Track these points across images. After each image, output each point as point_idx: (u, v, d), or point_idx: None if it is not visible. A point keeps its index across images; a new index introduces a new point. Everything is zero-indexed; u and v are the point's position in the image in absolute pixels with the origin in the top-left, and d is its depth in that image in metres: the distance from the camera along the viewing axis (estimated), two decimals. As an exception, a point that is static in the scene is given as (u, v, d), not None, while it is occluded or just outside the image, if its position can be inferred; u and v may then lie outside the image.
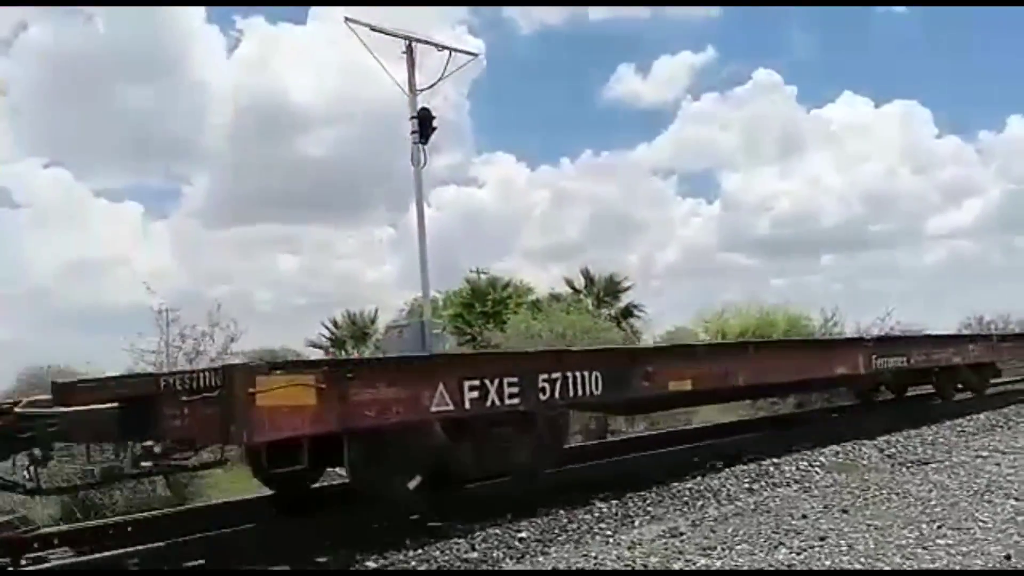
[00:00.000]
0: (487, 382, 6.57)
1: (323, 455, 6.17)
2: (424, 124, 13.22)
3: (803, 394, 16.04)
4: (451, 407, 6.30)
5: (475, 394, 6.49)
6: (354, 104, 43.27)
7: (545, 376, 7.09)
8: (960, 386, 14.67)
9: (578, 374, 7.35)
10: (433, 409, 6.17)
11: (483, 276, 28.65)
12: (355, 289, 43.78)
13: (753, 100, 52.23)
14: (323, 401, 5.45)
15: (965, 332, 20.79)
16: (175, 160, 44.60)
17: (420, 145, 13.39)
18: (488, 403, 6.56)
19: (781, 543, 5.69)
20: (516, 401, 6.83)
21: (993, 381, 16.25)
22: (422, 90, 13.47)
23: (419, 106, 13.35)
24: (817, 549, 5.49)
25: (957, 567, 4.99)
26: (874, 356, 11.88)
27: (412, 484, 6.90)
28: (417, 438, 6.52)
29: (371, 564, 5.65)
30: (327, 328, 29.23)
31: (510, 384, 6.76)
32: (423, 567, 5.60)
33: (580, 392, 7.37)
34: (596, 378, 7.52)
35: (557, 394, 7.17)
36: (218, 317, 13.43)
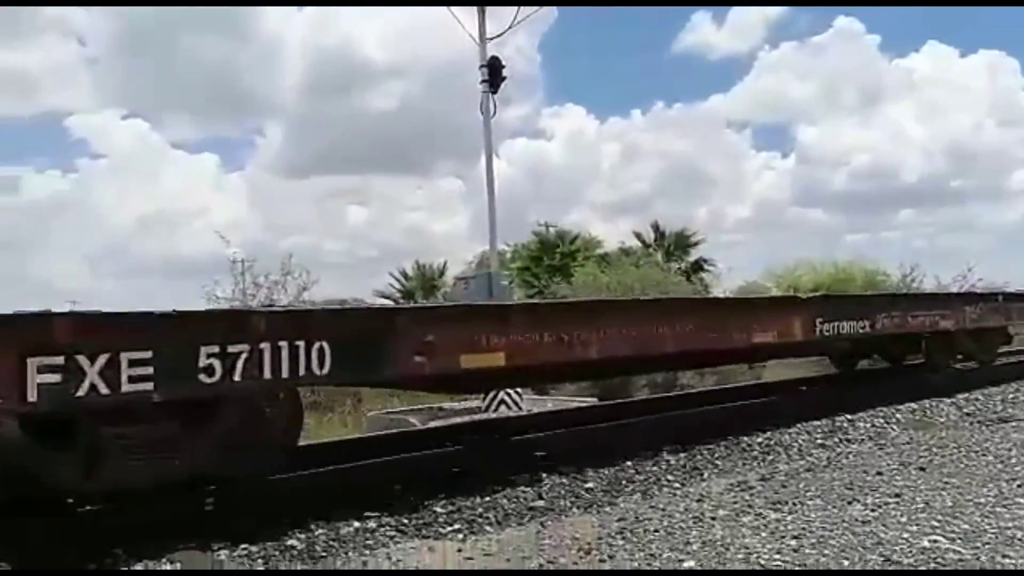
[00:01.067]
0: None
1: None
2: (494, 73, 13.06)
3: (700, 370, 14.34)
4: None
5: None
6: (423, 57, 43.29)
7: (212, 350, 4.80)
8: (961, 356, 12.35)
9: (270, 346, 5.03)
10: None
11: (551, 229, 28.55)
12: (423, 241, 44.21)
13: (833, 49, 50.52)
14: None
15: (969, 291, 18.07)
16: (249, 113, 45.40)
17: (490, 94, 13.27)
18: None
19: (855, 499, 5.56)
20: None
21: (1008, 350, 14.08)
22: (492, 38, 13.32)
23: (489, 55, 13.21)
24: (892, 506, 5.35)
25: (1041, 527, 4.81)
26: (819, 320, 9.21)
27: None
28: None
29: (438, 508, 5.71)
30: (396, 279, 29.58)
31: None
32: (490, 514, 5.64)
33: (280, 371, 5.09)
34: (321, 351, 5.28)
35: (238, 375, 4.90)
36: (291, 266, 13.72)
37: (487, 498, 6.02)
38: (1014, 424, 8.32)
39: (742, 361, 12.93)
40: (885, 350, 12.44)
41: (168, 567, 4.44)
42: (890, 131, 51.71)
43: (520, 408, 12.29)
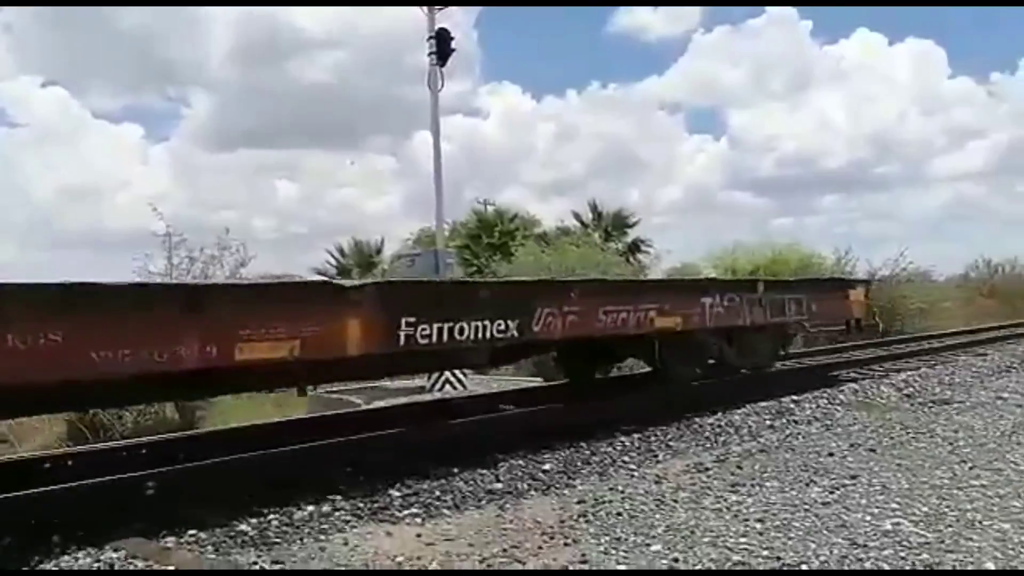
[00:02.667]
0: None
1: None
2: (442, 44, 12.76)
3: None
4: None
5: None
6: (358, 29, 42.34)
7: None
8: (713, 362, 9.38)
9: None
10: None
11: (490, 208, 28.37)
12: (355, 218, 43.42)
13: (766, 34, 51.21)
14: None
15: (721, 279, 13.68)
16: (174, 82, 43.87)
17: (437, 67, 12.96)
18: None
19: (812, 481, 5.59)
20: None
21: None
22: (439, 6, 12.92)
23: (436, 27, 12.90)
24: (851, 488, 5.38)
25: (995, 509, 4.88)
26: (405, 321, 5.91)
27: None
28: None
29: (395, 493, 5.54)
30: (332, 256, 29.06)
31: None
32: (447, 497, 5.49)
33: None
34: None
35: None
36: (227, 241, 13.28)
37: (443, 480, 5.86)
38: (955, 406, 8.51)
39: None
40: (600, 355, 9.37)
41: (113, 555, 4.17)
42: (817, 116, 52.78)
43: (465, 387, 12.14)
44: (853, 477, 5.65)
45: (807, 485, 5.50)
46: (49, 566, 4.14)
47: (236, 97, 43.01)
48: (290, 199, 44.19)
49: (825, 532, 4.51)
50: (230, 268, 13.22)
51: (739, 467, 6.07)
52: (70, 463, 6.10)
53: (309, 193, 44.40)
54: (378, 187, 48.66)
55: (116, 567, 4.10)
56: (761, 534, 4.50)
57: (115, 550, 4.26)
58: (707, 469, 6.06)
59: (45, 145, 37.81)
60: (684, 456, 6.66)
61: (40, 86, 42.21)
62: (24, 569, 4.13)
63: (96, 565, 4.12)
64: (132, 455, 6.45)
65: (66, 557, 4.22)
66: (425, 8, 12.98)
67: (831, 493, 5.30)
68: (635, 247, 28.78)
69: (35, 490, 4.93)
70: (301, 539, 4.64)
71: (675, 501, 5.23)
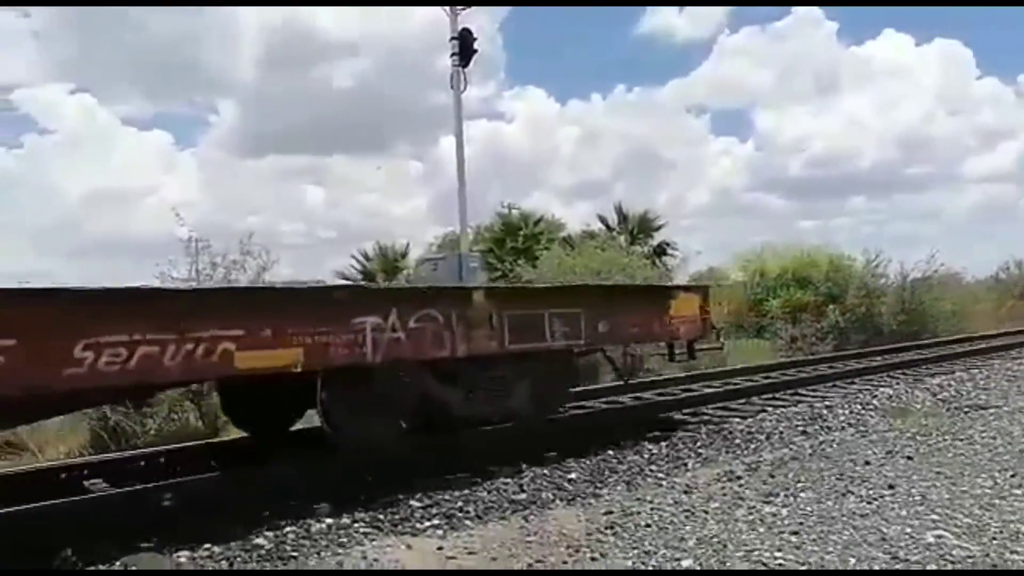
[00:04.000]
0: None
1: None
2: (465, 46, 12.63)
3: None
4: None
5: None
6: (382, 34, 42.40)
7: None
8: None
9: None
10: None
11: (515, 211, 28.18)
12: (381, 222, 43.42)
13: (792, 35, 50.66)
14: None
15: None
16: (202, 88, 44.15)
17: (460, 68, 12.84)
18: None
19: (848, 491, 5.37)
20: None
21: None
22: (462, 6, 12.76)
23: (460, 27, 12.79)
24: (888, 498, 5.16)
25: (1043, 520, 4.64)
26: None
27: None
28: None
29: (415, 503, 5.39)
30: (357, 260, 29.01)
31: None
32: (470, 508, 5.35)
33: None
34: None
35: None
36: (249, 246, 13.21)
37: (465, 490, 5.72)
38: (992, 411, 8.23)
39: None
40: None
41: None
42: (845, 117, 52.14)
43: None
44: (891, 487, 5.42)
45: (843, 495, 5.28)
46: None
47: (263, 103, 43.25)
48: (317, 204, 44.32)
49: (865, 545, 4.30)
50: (252, 273, 13.15)
51: (771, 476, 5.87)
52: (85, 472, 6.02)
53: (336, 198, 44.54)
54: (404, 191, 48.66)
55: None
56: (798, 548, 4.30)
57: (125, 567, 4.16)
58: (738, 478, 5.86)
59: (74, 151, 38.18)
60: (714, 464, 6.46)
61: (69, 93, 42.68)
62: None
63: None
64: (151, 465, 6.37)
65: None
66: (447, 8, 12.89)
67: (869, 504, 5.08)
68: (661, 250, 28.45)
69: (46, 502, 4.84)
70: (318, 552, 4.51)
71: (706, 512, 5.04)
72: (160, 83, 40.36)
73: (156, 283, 11.42)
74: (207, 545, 4.52)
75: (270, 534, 4.75)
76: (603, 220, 29.00)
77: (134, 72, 40.38)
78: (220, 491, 5.31)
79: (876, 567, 3.98)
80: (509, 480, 5.89)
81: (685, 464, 6.49)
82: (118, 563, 4.18)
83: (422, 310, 6.19)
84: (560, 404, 7.80)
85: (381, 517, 5.10)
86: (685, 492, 5.52)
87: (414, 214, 42.94)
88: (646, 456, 6.62)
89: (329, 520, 5.01)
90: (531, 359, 7.03)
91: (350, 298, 6.00)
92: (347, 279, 26.40)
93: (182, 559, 4.31)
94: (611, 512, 5.08)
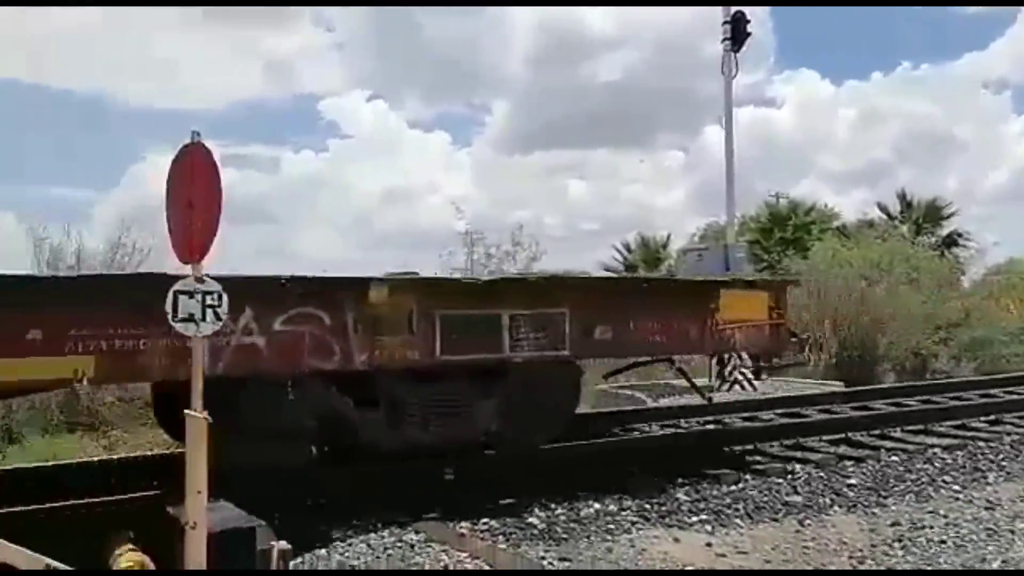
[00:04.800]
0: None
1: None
2: (738, 30, 12.23)
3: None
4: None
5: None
6: (647, 26, 42.18)
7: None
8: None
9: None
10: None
11: (783, 200, 26.92)
12: (644, 214, 43.26)
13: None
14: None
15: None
16: (478, 89, 46.49)
17: (732, 53, 12.45)
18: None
19: None
20: None
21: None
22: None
23: (733, 11, 12.38)
24: None
25: None
26: None
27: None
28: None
29: (682, 496, 5.32)
30: (619, 252, 29.21)
31: None
32: (739, 506, 5.17)
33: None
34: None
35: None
36: (520, 237, 13.82)
37: (733, 487, 5.55)
38: None
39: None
40: None
41: (414, 536, 4.40)
42: None
43: (754, 388, 11.54)
44: None
45: None
46: (357, 541, 4.42)
47: (531, 101, 44.77)
48: (580, 197, 45.15)
49: None
50: (522, 263, 13.72)
51: (1097, 499, 5.13)
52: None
53: (599, 191, 45.07)
54: (666, 183, 48.22)
55: (415, 548, 4.29)
56: None
57: (416, 532, 4.48)
58: (1052, 497, 5.18)
59: (369, 154, 41.87)
60: (1020, 480, 5.76)
61: (366, 100, 46.82)
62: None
63: (398, 544, 4.34)
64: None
65: (372, 535, 4.49)
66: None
67: None
68: (951, 241, 25.87)
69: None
70: (588, 537, 4.57)
71: (1011, 532, 4.52)
72: (440, 86, 43.05)
73: (438, 272, 12.21)
74: (485, 520, 4.75)
75: (542, 514, 4.90)
76: (883, 208, 26.91)
77: (418, 76, 43.40)
78: (498, 470, 5.53)
79: None
80: (781, 480, 5.62)
81: (985, 477, 5.83)
82: (410, 528, 4.53)
83: (294, 309, 4.80)
84: (555, 429, 5.89)
85: (648, 507, 5.07)
86: (987, 508, 4.98)
87: (675, 205, 42.42)
88: (938, 466, 6.03)
89: (597, 506, 5.06)
90: (498, 373, 5.50)
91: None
92: (609, 270, 26.70)
93: (463, 530, 4.56)
94: (898, 524, 4.69)
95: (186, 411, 2.91)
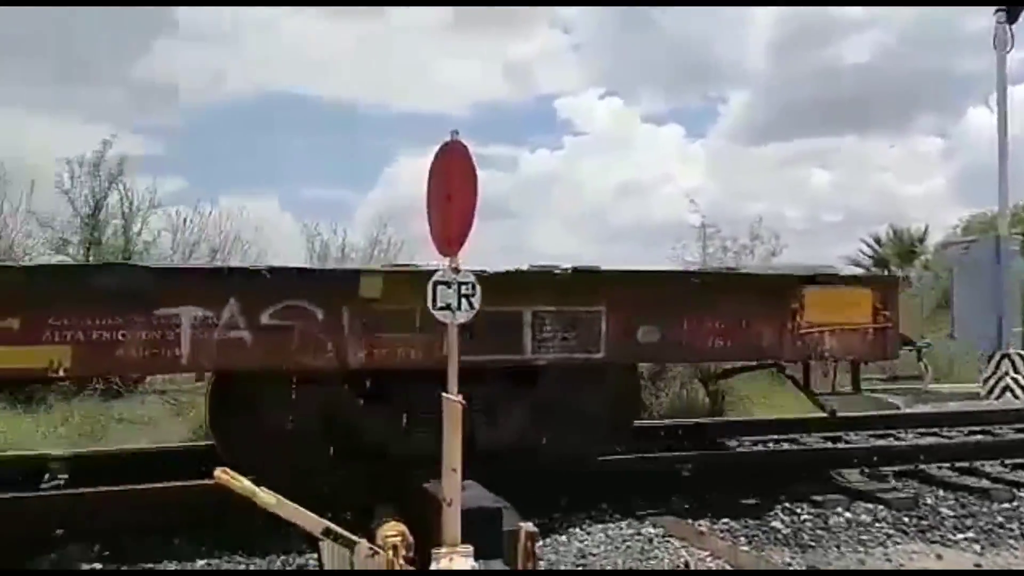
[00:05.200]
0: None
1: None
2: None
3: None
4: None
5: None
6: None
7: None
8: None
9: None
10: None
11: (1066, 187, 23.92)
12: (892, 205, 40.11)
13: None
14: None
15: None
16: (714, 82, 45.38)
17: (1006, 25, 11.22)
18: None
19: None
20: None
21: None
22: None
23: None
24: None
25: None
26: None
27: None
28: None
29: (945, 511, 4.89)
30: (868, 245, 27.33)
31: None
32: (1012, 525, 4.68)
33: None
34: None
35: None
36: (759, 230, 13.31)
37: (1005, 505, 5.04)
38: None
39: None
40: None
41: (652, 530, 4.40)
42: None
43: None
44: None
45: None
46: (596, 530, 4.48)
47: (770, 91, 43.06)
48: (822, 187, 42.72)
49: None
50: (760, 257, 13.19)
51: None
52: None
53: (843, 180, 42.39)
54: (921, 170, 44.44)
55: (653, 542, 4.28)
56: None
57: (654, 526, 4.48)
58: None
59: (602, 150, 42.26)
60: None
61: (599, 98, 47.27)
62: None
63: (637, 537, 4.35)
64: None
65: (611, 526, 4.54)
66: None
67: None
68: None
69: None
70: (837, 546, 4.33)
71: None
72: (675, 80, 42.56)
73: (670, 265, 12.08)
74: (725, 520, 4.65)
75: (786, 519, 4.72)
76: None
77: (653, 72, 43.18)
78: (735, 467, 5.43)
79: None
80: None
81: None
82: (648, 522, 4.54)
83: (282, 302, 4.43)
84: (607, 439, 5.30)
85: (905, 520, 4.73)
86: None
87: (931, 195, 39.04)
88: None
89: (848, 515, 4.80)
90: (524, 377, 4.97)
91: (154, 282, 4.33)
92: (857, 264, 25.05)
93: (702, 527, 4.50)
94: None
95: (443, 395, 3.10)
